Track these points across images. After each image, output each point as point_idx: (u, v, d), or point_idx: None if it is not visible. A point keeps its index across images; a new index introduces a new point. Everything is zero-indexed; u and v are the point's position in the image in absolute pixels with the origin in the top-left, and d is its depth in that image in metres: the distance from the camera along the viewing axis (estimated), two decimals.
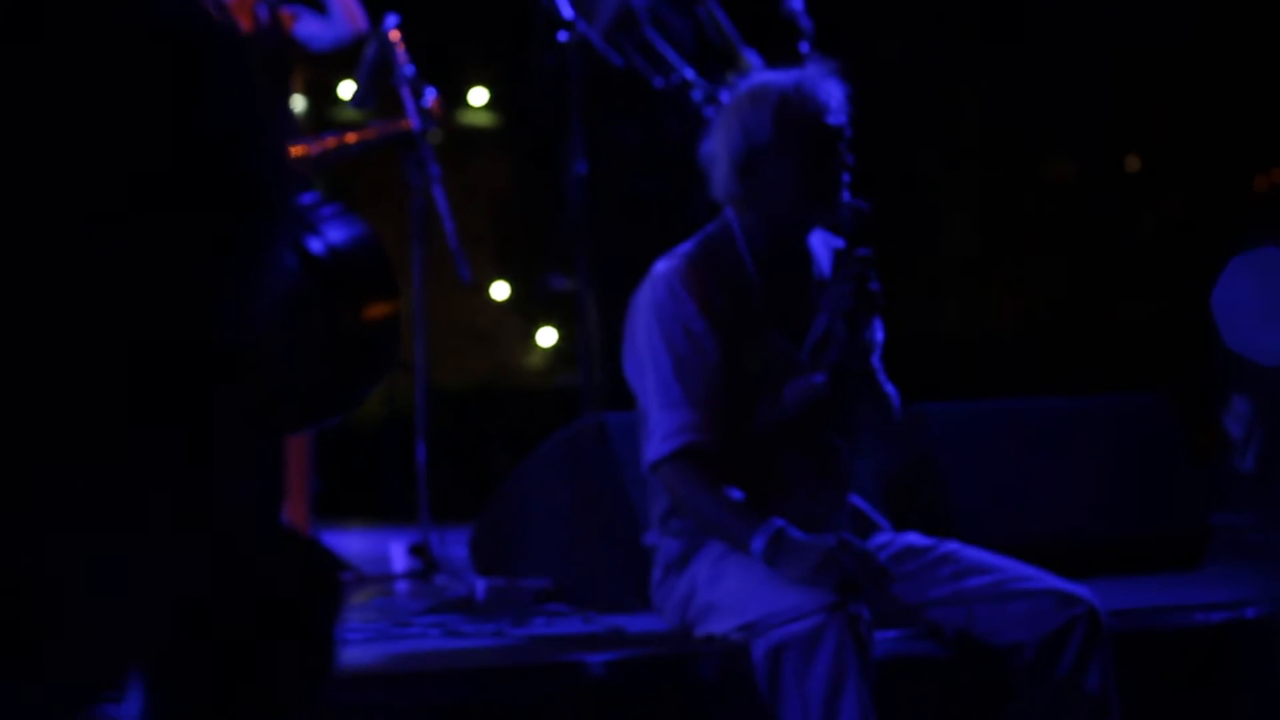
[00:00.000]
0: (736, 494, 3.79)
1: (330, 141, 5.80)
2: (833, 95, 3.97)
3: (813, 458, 3.99)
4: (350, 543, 6.88)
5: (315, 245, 1.67)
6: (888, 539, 4.01)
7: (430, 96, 5.71)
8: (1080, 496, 5.34)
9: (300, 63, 5.96)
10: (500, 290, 11.34)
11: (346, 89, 8.04)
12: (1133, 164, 12.29)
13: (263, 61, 5.59)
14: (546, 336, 11.41)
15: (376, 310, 1.74)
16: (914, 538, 4.01)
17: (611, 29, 5.92)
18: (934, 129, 11.58)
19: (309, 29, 5.85)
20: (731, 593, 3.78)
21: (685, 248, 4.03)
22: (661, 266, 3.99)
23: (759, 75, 4.09)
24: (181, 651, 1.61)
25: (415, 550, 5.53)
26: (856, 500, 4.13)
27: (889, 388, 4.05)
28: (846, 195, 3.95)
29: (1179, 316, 10.28)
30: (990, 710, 3.85)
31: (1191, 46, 10.63)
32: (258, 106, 1.33)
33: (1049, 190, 12.50)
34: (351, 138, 5.84)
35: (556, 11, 5.74)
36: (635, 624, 4.31)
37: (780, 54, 4.31)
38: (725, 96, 4.08)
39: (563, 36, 5.73)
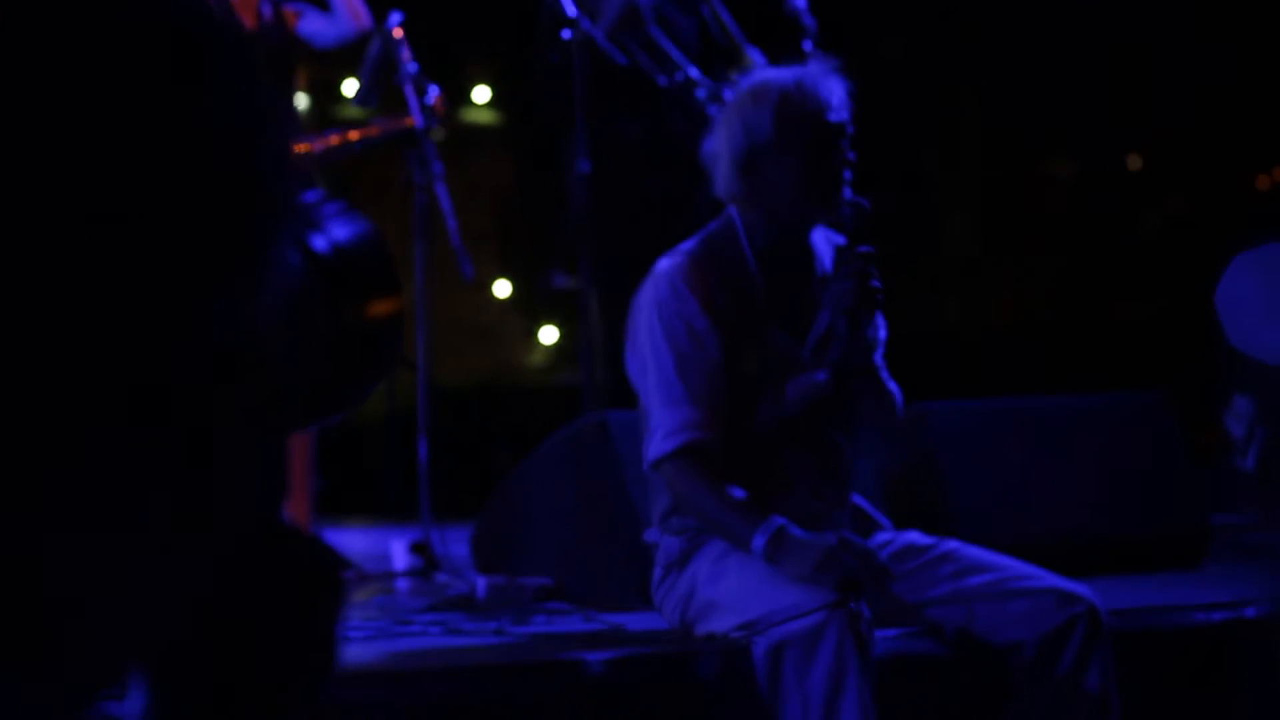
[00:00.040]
0: (738, 492, 3.79)
1: (333, 139, 5.80)
2: (834, 93, 3.97)
3: (814, 456, 3.99)
4: (351, 540, 6.88)
5: (319, 243, 1.67)
6: (888, 537, 4.01)
7: (433, 94, 5.72)
8: (1081, 495, 5.34)
9: (304, 60, 5.96)
10: (502, 288, 11.34)
11: (350, 87, 8.05)
12: (1134, 163, 12.29)
13: (266, 59, 5.59)
14: (548, 334, 11.41)
15: (380, 308, 1.74)
16: (915, 536, 4.01)
17: (616, 27, 5.92)
18: (936, 127, 11.58)
19: (312, 26, 5.85)
20: (732, 591, 3.78)
21: (688, 245, 4.03)
22: (664, 264, 3.99)
23: (760, 73, 4.09)
24: (183, 650, 1.61)
25: (416, 548, 5.53)
26: (858, 499, 4.13)
27: (892, 385, 4.05)
28: (848, 193, 3.95)
29: (1180, 315, 10.29)
30: (990, 709, 3.85)
31: (1193, 45, 10.62)
32: (262, 104, 1.33)
33: (1050, 189, 12.50)
34: (354, 135, 5.84)
35: (561, 10, 5.74)
36: (636, 622, 4.32)
37: (783, 52, 4.30)
38: (729, 95, 4.07)
39: (567, 34, 5.73)
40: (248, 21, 5.67)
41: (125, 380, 1.22)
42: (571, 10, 5.74)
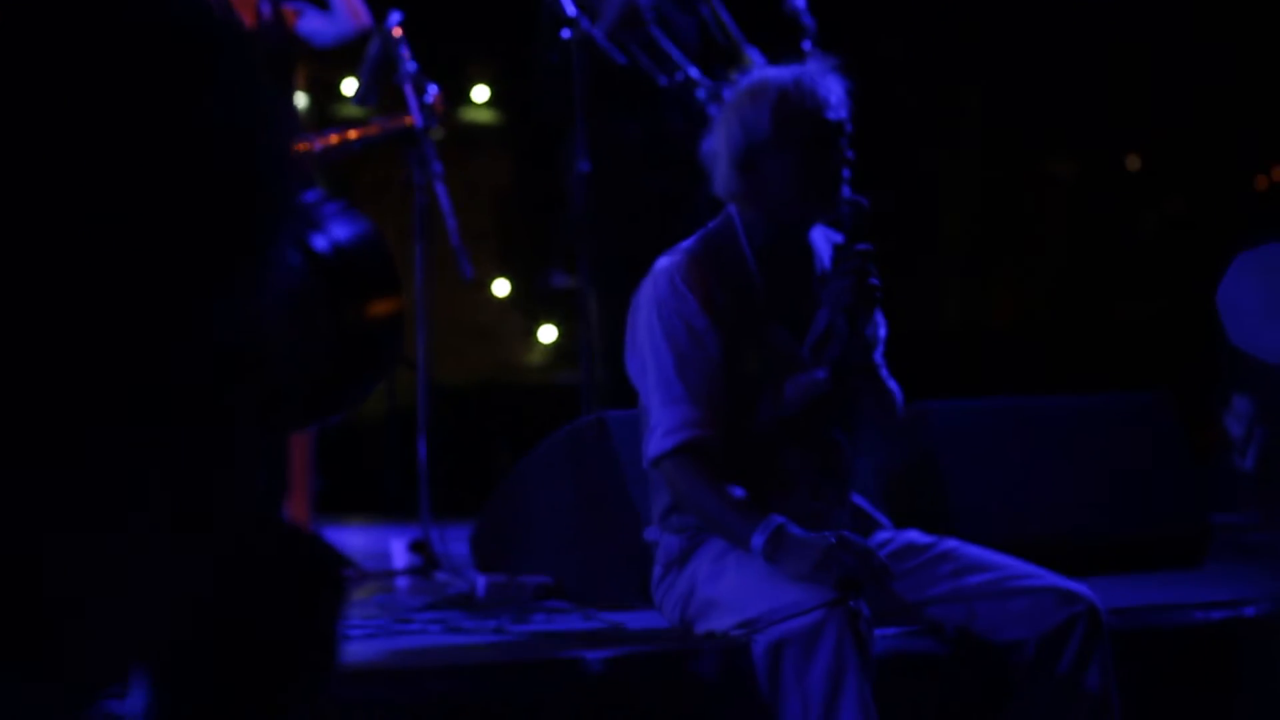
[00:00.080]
0: (737, 490, 3.79)
1: (332, 138, 5.80)
2: (832, 91, 3.97)
3: (814, 454, 3.99)
4: (351, 539, 6.88)
5: (320, 243, 1.67)
6: (888, 536, 4.01)
7: (432, 93, 5.71)
8: (1081, 495, 5.34)
9: (303, 59, 5.96)
10: (501, 287, 11.34)
11: (349, 86, 8.04)
12: (1133, 163, 12.29)
13: (266, 58, 5.59)
14: (547, 334, 11.41)
15: (380, 307, 1.74)
16: (914, 535, 4.01)
17: (617, 27, 5.92)
18: (935, 127, 11.58)
19: (312, 25, 5.85)
20: (732, 589, 3.78)
21: (687, 244, 4.03)
22: (663, 262, 3.99)
23: (759, 71, 4.09)
24: (184, 649, 1.61)
25: (416, 547, 5.53)
26: (857, 498, 4.13)
27: (892, 384, 4.05)
28: (846, 191, 3.95)
29: (1180, 315, 10.29)
30: (990, 708, 3.85)
31: (1192, 45, 10.62)
32: (262, 103, 1.33)
33: (1050, 188, 12.50)
34: (354, 134, 5.84)
35: (560, 9, 5.74)
36: (636, 621, 4.32)
37: (782, 52, 4.30)
38: (729, 95, 4.07)
39: (566, 34, 5.72)
40: (247, 20, 5.67)
41: (125, 380, 1.22)
42: (571, 10, 5.74)
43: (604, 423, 4.84)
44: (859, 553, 3.62)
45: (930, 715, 3.99)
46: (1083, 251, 11.95)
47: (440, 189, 5.59)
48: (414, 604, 4.75)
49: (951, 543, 3.95)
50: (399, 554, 5.61)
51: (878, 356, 4.05)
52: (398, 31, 5.74)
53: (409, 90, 5.69)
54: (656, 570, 4.01)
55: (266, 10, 5.73)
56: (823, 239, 4.10)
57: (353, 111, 6.64)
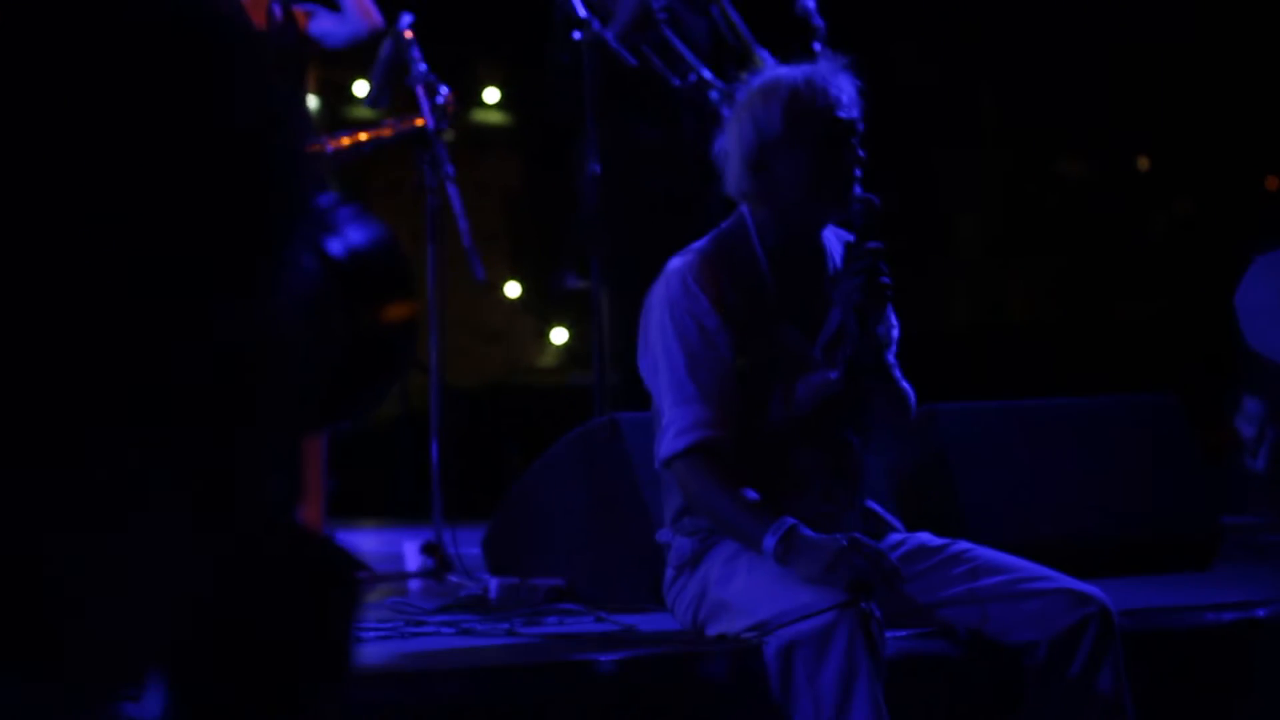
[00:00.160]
0: (749, 492, 3.79)
1: (344, 140, 5.81)
2: (844, 90, 3.97)
3: (826, 455, 3.98)
4: (364, 542, 6.89)
5: (335, 247, 1.67)
6: (900, 538, 4.01)
7: (444, 95, 5.71)
8: (1092, 496, 5.34)
9: (315, 61, 5.96)
10: (513, 289, 11.35)
11: (360, 88, 8.05)
12: (1144, 164, 12.28)
13: (278, 59, 5.60)
14: (559, 335, 11.42)
15: (395, 312, 1.74)
16: (926, 537, 4.01)
17: (629, 29, 5.92)
18: (946, 128, 11.57)
19: (324, 26, 5.86)
20: (743, 592, 3.78)
21: (699, 244, 4.03)
22: (675, 263, 3.99)
23: (771, 70, 4.09)
24: (199, 651, 1.61)
25: (428, 549, 5.53)
26: (869, 501, 4.13)
27: (905, 385, 4.04)
28: (858, 190, 3.95)
29: (1191, 316, 10.28)
30: (1002, 710, 3.85)
31: (1203, 48, 10.62)
32: (275, 102, 1.33)
33: (1060, 190, 12.49)
34: (365, 136, 5.84)
35: (572, 10, 5.74)
36: (648, 623, 4.31)
37: (793, 53, 4.30)
38: (740, 94, 4.07)
39: (578, 36, 5.72)
40: (258, 21, 5.67)
41: (129, 379, 1.22)
42: (582, 11, 5.74)
43: (616, 424, 4.84)
44: (870, 555, 3.62)
45: (941, 717, 3.99)
46: (1093, 252, 11.94)
47: (452, 191, 5.59)
48: (426, 606, 4.75)
49: (963, 544, 3.94)
50: (411, 556, 5.61)
51: (890, 357, 4.05)
52: (409, 33, 5.74)
53: (420, 92, 5.69)
54: (668, 572, 4.01)
55: (278, 12, 5.74)
56: (835, 239, 4.10)
57: (364, 113, 6.64)
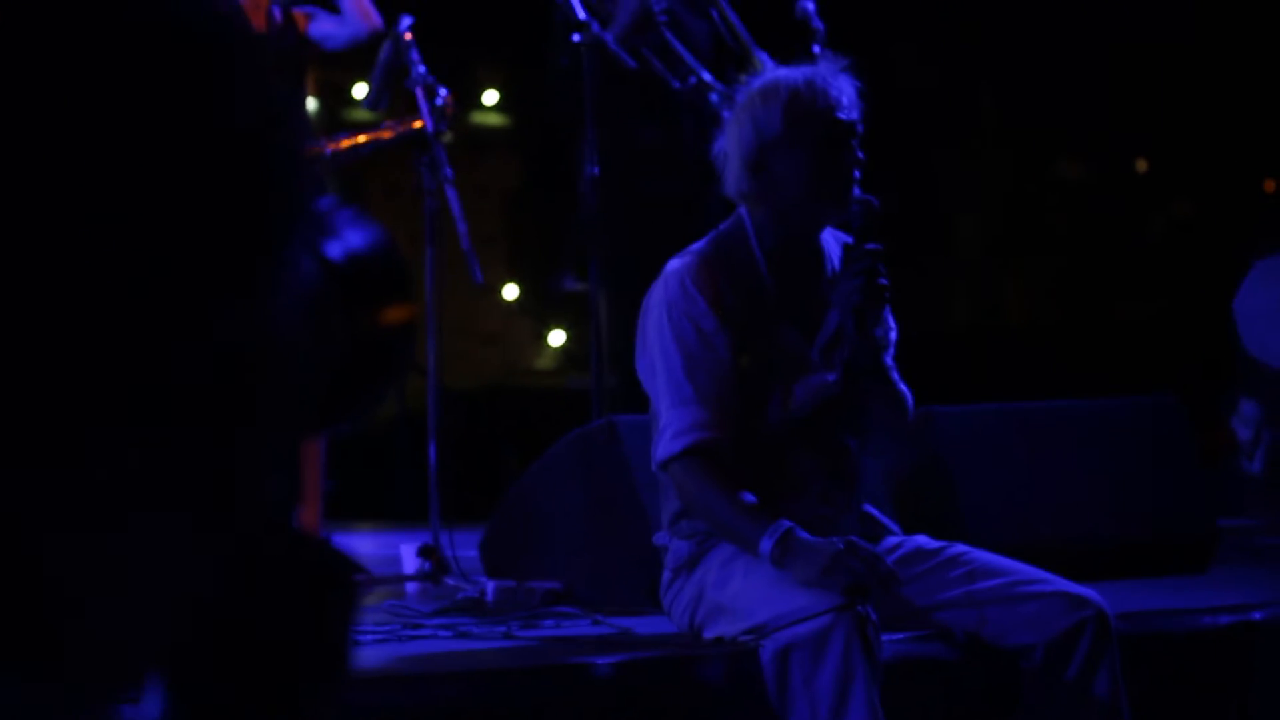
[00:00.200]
0: (746, 494, 3.79)
1: (343, 142, 5.81)
2: (843, 91, 3.97)
3: (824, 457, 3.98)
4: (361, 544, 6.90)
5: (334, 249, 1.67)
6: (897, 541, 4.01)
7: (443, 97, 5.72)
8: (1089, 499, 5.35)
9: (314, 63, 5.97)
10: (511, 291, 11.35)
11: (360, 90, 8.05)
12: (1142, 166, 12.29)
13: (277, 61, 5.60)
14: (557, 338, 11.42)
15: (394, 315, 1.74)
16: (923, 540, 4.01)
17: (629, 31, 5.92)
18: (946, 129, 11.59)
19: (323, 29, 5.86)
20: (740, 595, 3.78)
21: (698, 246, 4.03)
22: (674, 264, 3.99)
23: (770, 72, 4.09)
24: (196, 653, 1.61)
25: (425, 552, 5.53)
26: (866, 505, 4.13)
27: (903, 387, 4.05)
28: (857, 191, 3.96)
29: (1188, 318, 10.29)
30: (999, 713, 3.85)
31: (1202, 49, 10.63)
32: (273, 103, 1.33)
33: (1059, 191, 12.51)
34: (364, 138, 5.85)
35: (571, 13, 5.74)
36: (645, 626, 4.32)
37: (793, 56, 4.30)
38: (740, 95, 4.08)
39: (577, 38, 5.73)
40: (258, 23, 5.68)
41: (128, 379, 1.22)
42: (582, 14, 5.74)
43: (614, 427, 4.85)
44: (867, 558, 3.62)
45: None
46: (1092, 253, 11.96)
47: (451, 193, 5.60)
48: (423, 609, 4.76)
49: (960, 547, 3.95)
50: (409, 559, 5.61)
51: (888, 359, 4.05)
52: (408, 35, 5.75)
53: (420, 94, 5.69)
54: (666, 575, 4.01)
55: (278, 14, 5.75)
56: (833, 240, 4.10)
57: (363, 115, 6.66)
